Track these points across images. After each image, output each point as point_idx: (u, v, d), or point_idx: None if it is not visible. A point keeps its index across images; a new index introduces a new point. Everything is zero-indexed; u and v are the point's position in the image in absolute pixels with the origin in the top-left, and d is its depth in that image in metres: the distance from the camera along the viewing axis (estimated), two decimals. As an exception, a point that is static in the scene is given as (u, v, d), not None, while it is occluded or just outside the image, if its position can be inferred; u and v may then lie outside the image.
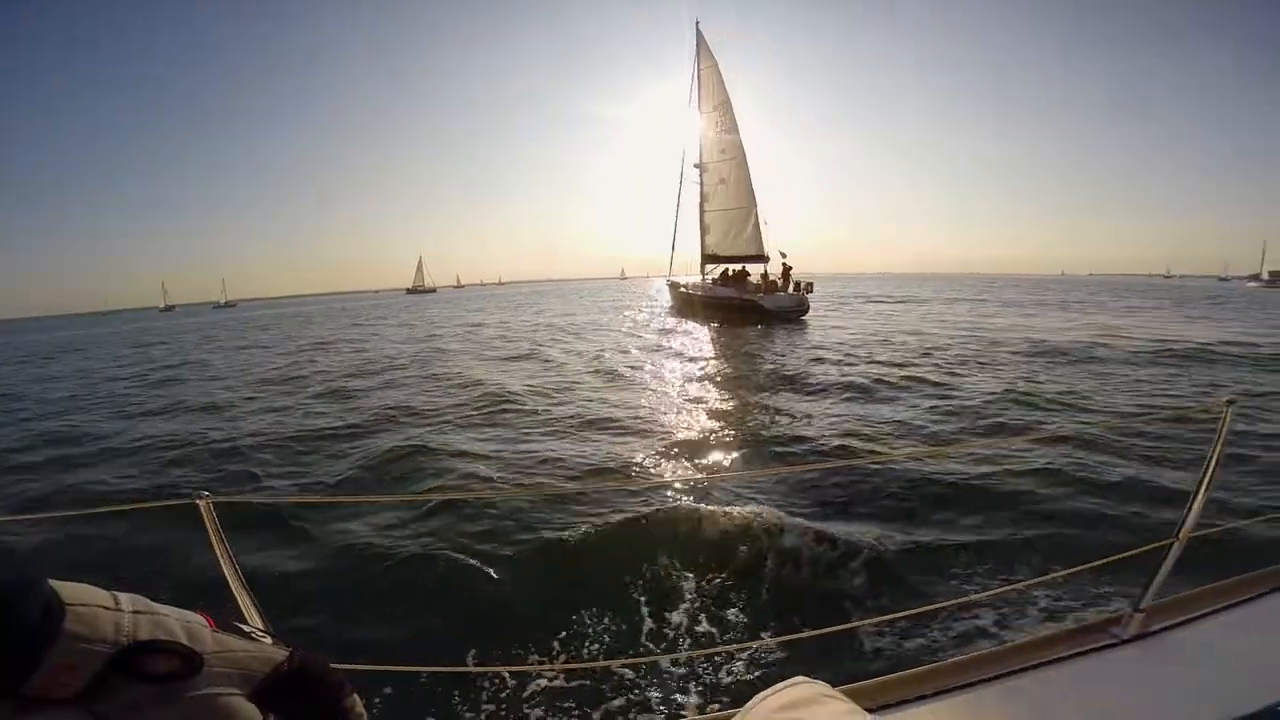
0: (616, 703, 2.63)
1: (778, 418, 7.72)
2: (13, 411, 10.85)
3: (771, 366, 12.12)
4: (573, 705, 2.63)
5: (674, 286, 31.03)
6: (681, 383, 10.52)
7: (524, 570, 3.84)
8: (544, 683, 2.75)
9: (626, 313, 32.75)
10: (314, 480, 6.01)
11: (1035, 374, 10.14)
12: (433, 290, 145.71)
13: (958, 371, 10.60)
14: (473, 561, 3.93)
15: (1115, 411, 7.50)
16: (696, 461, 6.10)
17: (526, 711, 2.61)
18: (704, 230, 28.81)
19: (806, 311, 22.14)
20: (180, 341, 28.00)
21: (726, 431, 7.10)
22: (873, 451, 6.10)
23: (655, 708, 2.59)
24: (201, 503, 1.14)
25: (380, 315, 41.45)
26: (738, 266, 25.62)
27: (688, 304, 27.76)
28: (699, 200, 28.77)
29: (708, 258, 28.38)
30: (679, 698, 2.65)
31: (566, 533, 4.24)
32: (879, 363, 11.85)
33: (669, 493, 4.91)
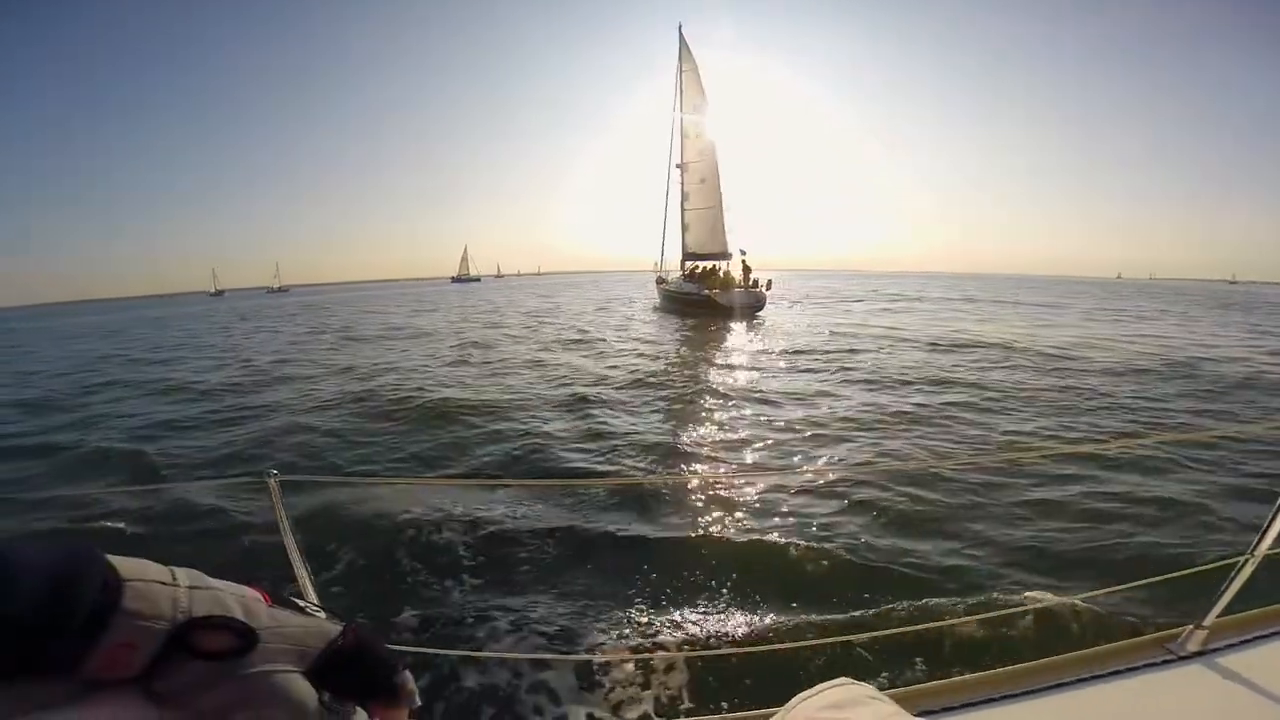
0: (656, 696, 2.64)
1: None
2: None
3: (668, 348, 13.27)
4: (611, 696, 2.65)
5: (660, 283, 32.12)
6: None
7: (568, 560, 3.89)
8: (585, 673, 2.77)
9: (617, 307, 34.02)
10: (382, 457, 6.40)
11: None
12: (477, 279, 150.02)
13: (832, 362, 11.50)
14: (522, 549, 4.02)
15: (1190, 424, 7.28)
16: (729, 458, 6.24)
17: (563, 700, 2.64)
18: (684, 228, 29.80)
19: (762, 307, 22.98)
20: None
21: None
22: (922, 458, 6.12)
23: (694, 703, 2.61)
24: (271, 480, 1.16)
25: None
26: (708, 264, 26.65)
27: (665, 299, 28.96)
28: (680, 199, 29.78)
29: (688, 255, 29.41)
30: (718, 694, 2.64)
31: (610, 526, 4.32)
32: (788, 353, 12.86)
33: (705, 489, 4.98)
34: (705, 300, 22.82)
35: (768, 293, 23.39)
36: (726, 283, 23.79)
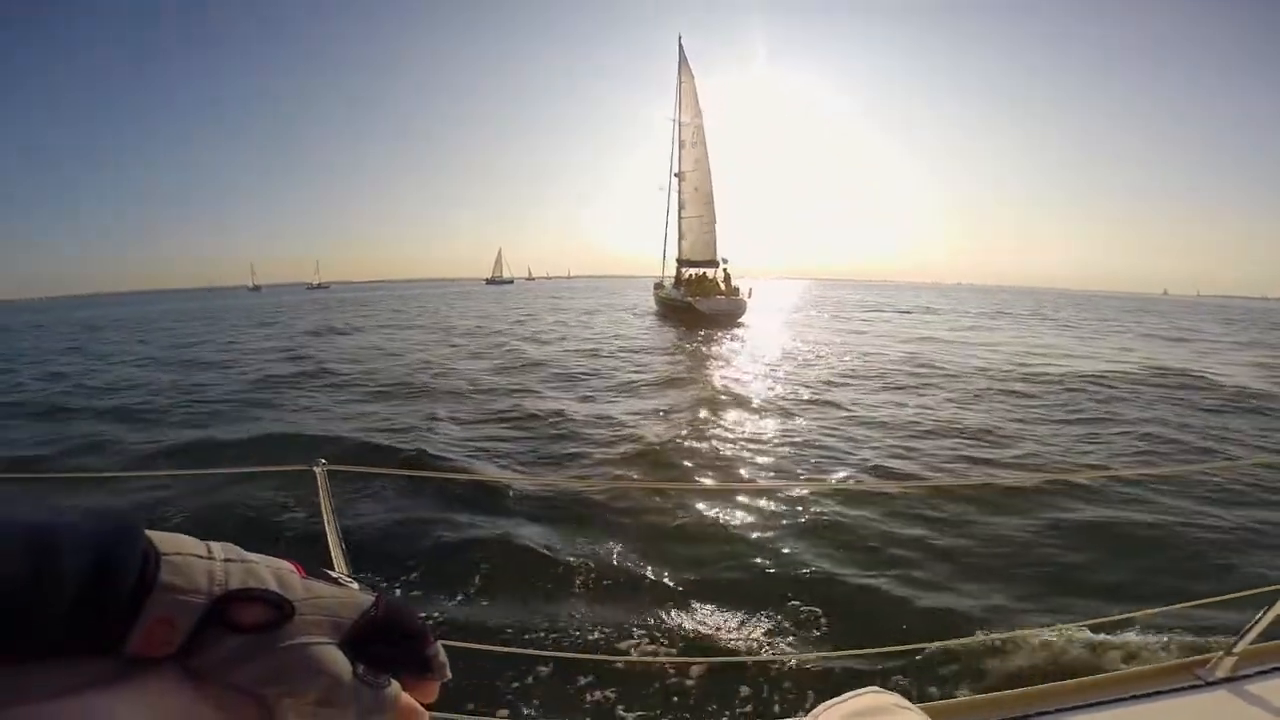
0: (679, 701, 2.62)
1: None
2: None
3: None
4: (634, 700, 2.63)
5: (657, 288, 32.81)
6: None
7: (598, 561, 3.92)
8: (607, 675, 2.75)
9: (614, 312, 34.79)
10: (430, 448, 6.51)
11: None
12: (510, 282, 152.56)
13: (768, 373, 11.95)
14: (557, 547, 4.07)
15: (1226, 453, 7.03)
16: (757, 466, 6.23)
17: (583, 701, 2.63)
18: (681, 235, 30.42)
19: (742, 314, 23.42)
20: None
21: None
22: (957, 474, 6.03)
23: (720, 709, 2.60)
24: (318, 469, 1.20)
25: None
26: (698, 271, 27.25)
27: (660, 305, 29.70)
28: (677, 207, 30.43)
29: (683, 261, 30.02)
30: (745, 700, 2.64)
31: (640, 529, 4.36)
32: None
33: (733, 497, 4.95)
34: (687, 307, 23.42)
35: (748, 300, 23.84)
36: (708, 290, 24.34)
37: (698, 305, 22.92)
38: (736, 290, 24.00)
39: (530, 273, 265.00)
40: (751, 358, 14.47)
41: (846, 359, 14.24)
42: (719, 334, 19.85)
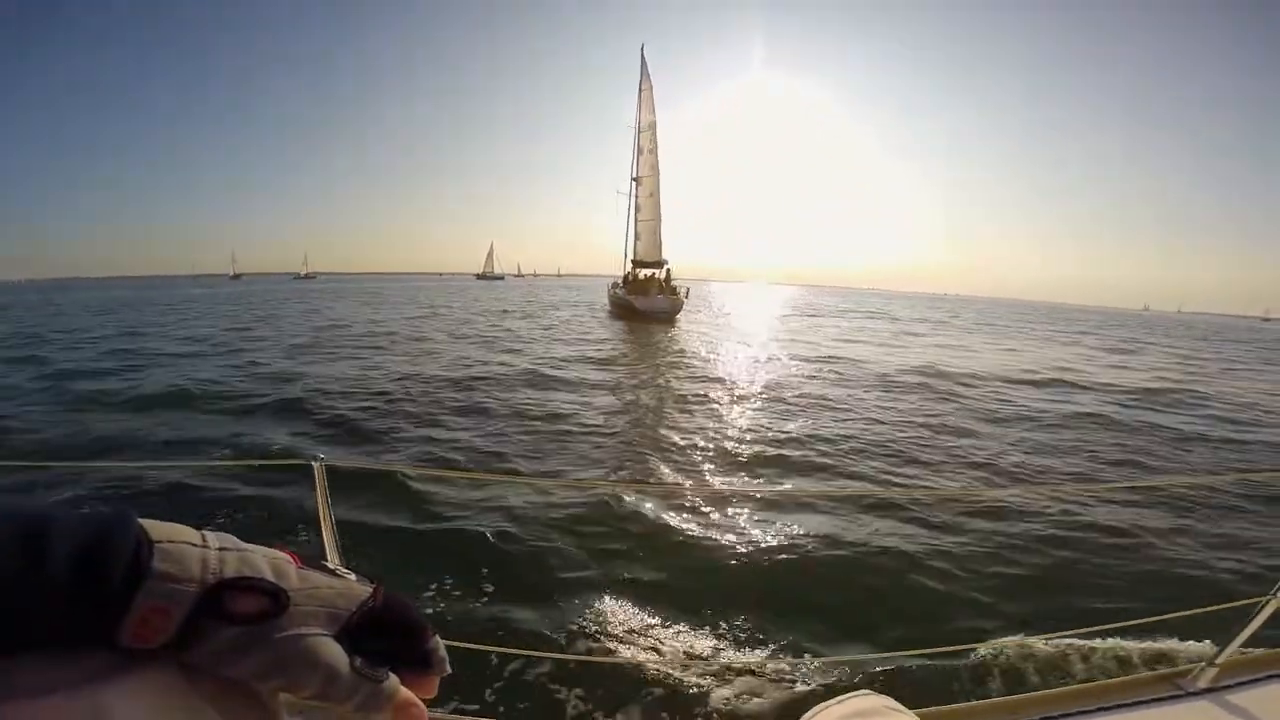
0: (678, 703, 2.64)
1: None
2: None
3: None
4: (630, 703, 2.64)
5: (612, 288, 34.27)
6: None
7: (599, 564, 3.90)
8: (604, 676, 2.77)
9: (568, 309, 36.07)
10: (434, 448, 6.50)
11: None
12: (501, 278, 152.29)
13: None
14: (554, 550, 4.07)
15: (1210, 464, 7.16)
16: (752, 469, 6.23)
17: (580, 701, 2.64)
18: (636, 237, 31.86)
19: (678, 312, 25.06)
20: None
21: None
22: (952, 486, 6.03)
23: (716, 712, 2.61)
24: (316, 464, 1.20)
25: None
26: (648, 272, 28.77)
27: (611, 303, 31.23)
28: (633, 210, 31.89)
29: (637, 263, 31.47)
30: (740, 704, 2.65)
31: (639, 530, 4.36)
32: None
33: (731, 499, 4.97)
34: (629, 305, 25.15)
35: (684, 300, 25.50)
36: (648, 289, 25.94)
37: (636, 304, 24.62)
38: (675, 290, 25.61)
39: (520, 269, 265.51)
40: (658, 348, 15.88)
41: (742, 351, 15.69)
42: (653, 328, 21.41)
